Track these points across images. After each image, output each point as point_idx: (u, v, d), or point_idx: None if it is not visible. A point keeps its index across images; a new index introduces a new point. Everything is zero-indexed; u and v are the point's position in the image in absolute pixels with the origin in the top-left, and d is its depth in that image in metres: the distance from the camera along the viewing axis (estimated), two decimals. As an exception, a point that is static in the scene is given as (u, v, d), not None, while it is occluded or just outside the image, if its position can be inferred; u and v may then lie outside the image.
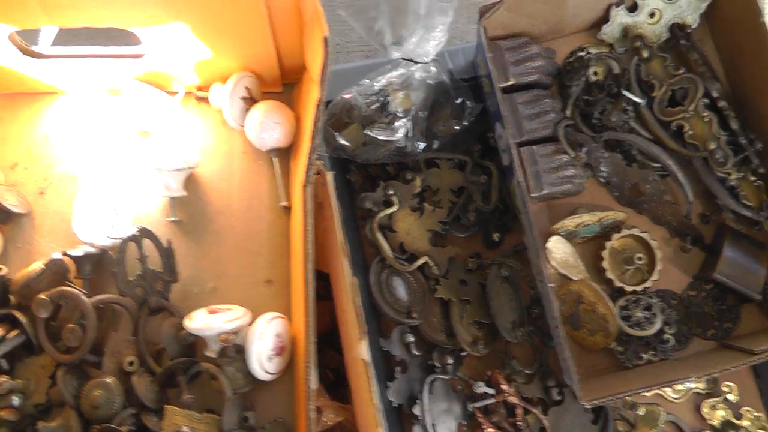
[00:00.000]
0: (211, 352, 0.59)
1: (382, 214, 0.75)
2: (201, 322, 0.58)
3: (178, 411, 0.57)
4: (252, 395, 0.61)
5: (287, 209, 0.68)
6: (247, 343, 0.58)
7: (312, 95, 0.59)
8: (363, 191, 0.77)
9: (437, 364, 0.75)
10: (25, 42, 0.66)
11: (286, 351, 0.61)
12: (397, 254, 0.76)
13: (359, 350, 0.59)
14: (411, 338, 0.75)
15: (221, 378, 0.58)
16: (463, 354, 0.76)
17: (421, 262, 0.76)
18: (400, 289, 0.76)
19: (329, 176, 0.62)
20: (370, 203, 0.75)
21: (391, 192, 0.75)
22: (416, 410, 0.72)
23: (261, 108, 0.68)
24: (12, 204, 0.66)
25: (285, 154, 0.70)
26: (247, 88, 0.68)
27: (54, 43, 0.68)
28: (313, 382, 0.56)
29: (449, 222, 0.78)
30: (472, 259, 0.78)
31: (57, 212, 0.69)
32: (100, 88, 0.71)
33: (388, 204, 0.76)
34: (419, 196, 0.77)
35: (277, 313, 0.61)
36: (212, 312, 0.60)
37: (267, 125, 0.66)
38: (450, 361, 0.74)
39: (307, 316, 0.56)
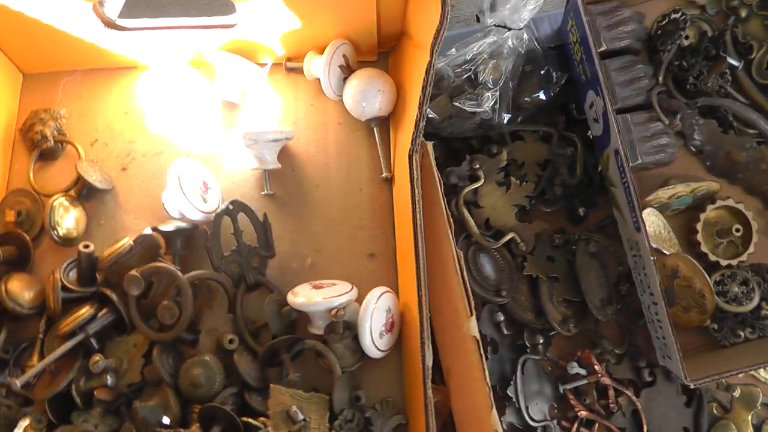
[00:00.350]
0: (317, 329, 0.57)
1: (468, 189, 0.73)
2: (307, 297, 0.56)
3: (284, 390, 0.55)
4: (359, 373, 0.58)
5: (389, 180, 0.66)
6: (359, 319, 0.55)
7: (417, 61, 0.57)
8: (446, 167, 0.75)
9: (528, 344, 0.72)
10: (109, 14, 0.63)
11: (396, 327, 0.59)
12: (483, 231, 0.74)
13: (468, 327, 0.57)
14: (501, 317, 0.72)
15: (329, 356, 0.56)
16: (551, 334, 0.74)
17: (507, 238, 0.73)
18: (488, 267, 0.73)
19: (429, 146, 0.60)
20: (456, 178, 0.73)
21: (477, 166, 0.73)
22: (510, 391, 0.70)
23: (362, 76, 0.66)
24: (95, 179, 0.64)
25: (385, 123, 0.68)
26: (344, 56, 0.66)
27: (139, 15, 0.65)
28: (429, 358, 0.53)
29: (535, 196, 0.76)
30: (558, 235, 0.75)
31: (141, 188, 0.67)
32: (183, 61, 0.68)
33: (474, 178, 0.73)
34: (504, 170, 0.75)
35: (386, 288, 0.58)
36: (317, 287, 0.58)
37: (369, 93, 0.64)
38: (540, 340, 0.72)
39: (419, 290, 0.54)
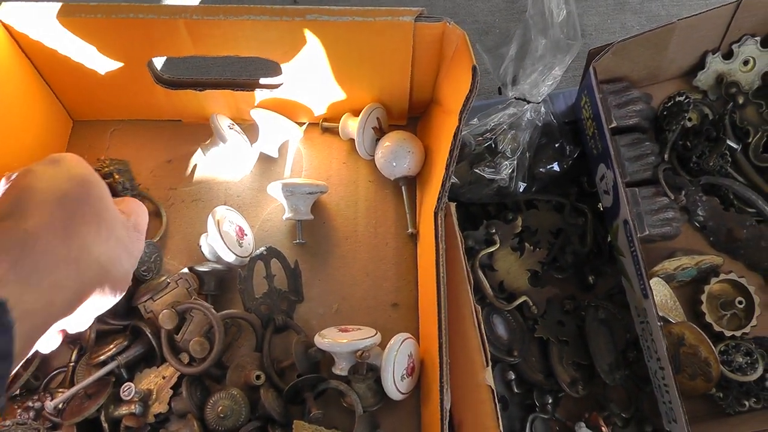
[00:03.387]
0: (341, 370, 0.62)
1: (484, 252, 0.79)
2: (333, 339, 0.61)
3: (307, 426, 0.59)
4: (379, 414, 0.63)
5: (414, 236, 0.73)
6: (383, 361, 0.60)
7: (445, 126, 0.64)
8: (464, 230, 0.81)
9: (537, 404, 0.77)
10: (160, 71, 0.72)
11: (416, 372, 0.64)
12: (497, 293, 0.80)
13: (484, 377, 0.62)
14: (512, 376, 0.77)
15: (352, 395, 0.60)
16: (560, 395, 0.78)
17: (520, 301, 0.79)
18: (500, 327, 0.79)
19: (452, 206, 0.67)
20: (473, 241, 0.79)
21: (493, 231, 0.80)
22: (519, 449, 0.74)
23: (394, 137, 0.73)
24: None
25: (412, 183, 0.75)
26: (378, 119, 0.74)
27: (188, 74, 0.73)
28: (447, 401, 0.58)
29: (547, 263, 0.82)
30: (569, 301, 0.81)
31: (178, 231, 0.73)
32: (225, 115, 0.76)
33: (490, 243, 0.80)
34: (519, 236, 0.81)
35: (408, 334, 0.64)
36: (343, 330, 0.63)
37: (400, 154, 0.71)
38: (549, 400, 0.77)
39: (440, 338, 0.59)
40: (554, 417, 0.77)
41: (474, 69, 0.58)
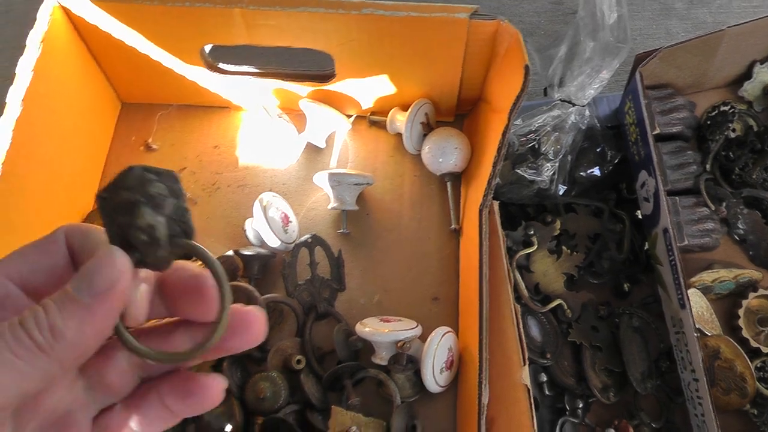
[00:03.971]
0: (380, 360, 0.63)
1: (521, 253, 0.80)
2: (375, 328, 0.62)
3: (345, 412, 0.60)
4: (416, 405, 0.64)
5: (457, 232, 0.74)
6: (423, 353, 0.61)
7: (493, 124, 0.65)
8: (503, 230, 0.82)
9: (567, 407, 0.77)
10: (212, 58, 0.73)
11: (454, 366, 0.65)
12: (532, 294, 0.80)
13: (521, 376, 0.63)
14: (544, 377, 0.77)
15: (391, 385, 0.61)
16: (591, 400, 0.78)
17: (555, 304, 0.80)
18: (534, 329, 0.79)
19: (496, 205, 0.68)
20: (511, 242, 0.80)
21: (532, 232, 0.80)
22: (548, 451, 0.74)
23: (442, 133, 0.74)
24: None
25: (457, 180, 0.76)
26: (426, 115, 0.75)
27: (241, 63, 0.75)
28: (485, 396, 0.59)
29: (583, 267, 0.82)
30: (603, 307, 0.81)
31: (223, 215, 0.74)
32: (274, 104, 0.78)
33: (528, 244, 0.80)
34: (557, 239, 0.82)
35: (448, 328, 0.65)
36: (384, 321, 0.64)
37: (447, 150, 0.73)
38: (580, 405, 0.77)
39: (480, 333, 0.60)
40: (584, 422, 0.77)
41: (526, 68, 0.59)
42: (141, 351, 0.31)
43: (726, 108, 0.81)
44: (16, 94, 0.62)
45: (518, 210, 0.84)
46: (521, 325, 0.64)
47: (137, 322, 0.33)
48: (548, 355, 0.77)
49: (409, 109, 0.74)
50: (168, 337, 0.34)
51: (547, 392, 0.78)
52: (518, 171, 0.78)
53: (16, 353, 0.28)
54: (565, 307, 0.80)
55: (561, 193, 0.81)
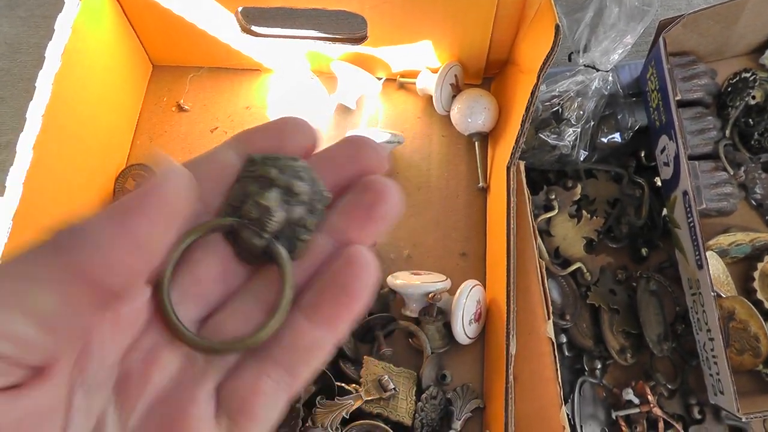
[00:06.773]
0: (411, 312, 0.66)
1: (542, 217, 0.83)
2: (406, 280, 0.65)
3: (377, 362, 0.63)
4: (445, 357, 0.67)
5: (484, 190, 0.77)
6: (453, 305, 0.64)
7: (522, 85, 0.68)
8: (523, 194, 0.85)
9: (586, 368, 0.80)
10: (246, 20, 0.76)
11: (482, 318, 0.68)
12: (552, 258, 0.83)
13: (545, 329, 0.66)
14: (564, 339, 0.80)
15: (421, 336, 0.64)
16: (608, 362, 0.82)
17: (574, 267, 0.83)
18: (554, 292, 0.82)
19: (522, 164, 0.71)
20: (532, 206, 0.83)
21: (553, 196, 0.83)
22: (567, 409, 0.77)
23: (471, 93, 0.78)
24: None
25: (484, 139, 0.79)
26: (456, 77, 0.78)
27: (274, 25, 0.77)
28: (513, 347, 0.62)
29: (603, 231, 0.86)
30: (621, 271, 0.84)
31: (253, 174, 0.77)
32: (305, 66, 0.80)
33: (549, 208, 0.83)
34: (577, 204, 0.85)
35: (477, 281, 0.68)
36: (415, 274, 0.67)
37: (476, 110, 0.76)
38: (598, 366, 0.80)
39: (508, 286, 0.63)
40: (602, 383, 0.81)
41: (557, 27, 0.61)
42: (187, 337, 0.27)
43: (747, 75, 0.84)
44: (55, 49, 0.65)
45: (539, 175, 0.87)
46: (546, 280, 0.68)
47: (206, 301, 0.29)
48: (567, 317, 0.80)
49: (440, 70, 0.77)
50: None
51: (566, 353, 0.81)
52: (541, 135, 0.81)
53: None
54: (584, 270, 0.83)
55: (582, 158, 0.83)
